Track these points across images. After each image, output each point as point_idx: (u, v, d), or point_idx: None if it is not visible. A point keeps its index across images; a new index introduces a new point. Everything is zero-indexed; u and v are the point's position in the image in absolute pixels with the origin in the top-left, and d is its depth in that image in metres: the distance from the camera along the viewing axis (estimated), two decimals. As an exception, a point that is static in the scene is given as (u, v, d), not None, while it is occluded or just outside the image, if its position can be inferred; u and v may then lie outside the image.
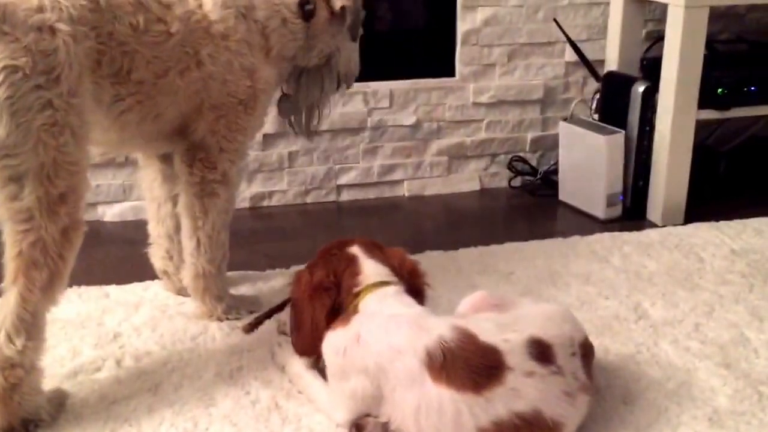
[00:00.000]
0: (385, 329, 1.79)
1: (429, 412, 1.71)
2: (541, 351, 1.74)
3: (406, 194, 3.51)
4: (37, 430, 1.84)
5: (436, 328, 1.76)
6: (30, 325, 1.77)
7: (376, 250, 1.98)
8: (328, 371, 1.87)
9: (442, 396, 1.69)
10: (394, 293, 1.89)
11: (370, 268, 1.92)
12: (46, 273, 1.77)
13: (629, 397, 1.98)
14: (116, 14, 1.90)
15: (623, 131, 3.15)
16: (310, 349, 1.93)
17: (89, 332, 2.26)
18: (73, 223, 1.80)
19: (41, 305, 1.79)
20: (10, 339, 1.75)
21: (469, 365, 1.69)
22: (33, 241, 1.74)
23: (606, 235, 2.97)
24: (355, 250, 1.96)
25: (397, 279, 1.94)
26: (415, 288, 1.98)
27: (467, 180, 3.56)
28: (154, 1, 1.98)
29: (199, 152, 2.20)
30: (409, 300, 1.90)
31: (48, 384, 1.98)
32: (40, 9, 1.72)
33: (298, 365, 2.01)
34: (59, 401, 1.94)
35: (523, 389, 1.69)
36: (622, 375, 2.07)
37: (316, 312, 1.88)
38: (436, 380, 1.70)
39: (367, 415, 1.82)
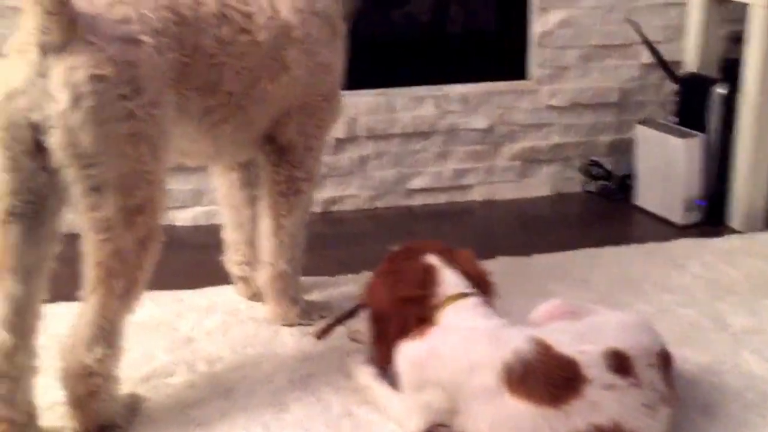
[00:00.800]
0: (463, 343, 1.77)
1: (506, 426, 1.69)
2: (619, 362, 1.70)
3: (478, 199, 3.47)
4: None
5: (512, 340, 1.74)
6: (108, 334, 1.79)
7: (449, 257, 1.95)
8: (403, 381, 1.85)
9: (520, 410, 1.67)
10: (473, 306, 1.86)
11: (450, 280, 1.89)
12: (124, 282, 1.78)
13: (709, 408, 1.93)
14: (201, 27, 1.92)
15: (702, 134, 3.07)
16: (386, 357, 1.91)
17: (163, 336, 2.29)
18: (151, 233, 1.82)
19: (119, 314, 1.81)
20: (89, 348, 1.77)
21: (547, 378, 1.67)
22: (112, 250, 1.75)
23: (684, 241, 2.89)
24: (431, 259, 1.93)
25: (474, 289, 1.91)
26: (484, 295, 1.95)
27: (540, 184, 3.51)
28: (237, 12, 1.99)
29: (286, 153, 2.22)
30: (487, 311, 1.87)
31: (123, 388, 2.01)
32: (126, 20, 1.75)
33: (366, 374, 2.00)
34: (134, 406, 1.96)
35: (602, 402, 1.65)
36: (702, 385, 2.02)
37: (406, 325, 1.85)
38: (514, 394, 1.68)
39: (440, 425, 1.80)
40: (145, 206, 1.78)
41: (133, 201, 1.75)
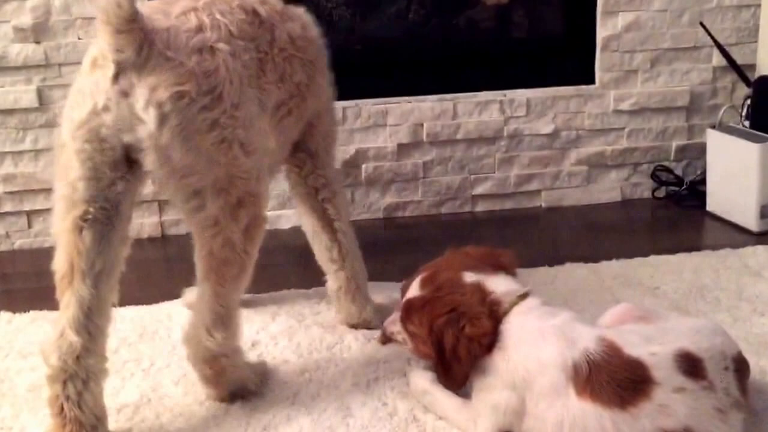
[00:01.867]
0: (533, 343, 1.74)
1: (572, 427, 1.65)
2: (690, 365, 1.64)
3: (544, 205, 3.43)
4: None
5: (581, 339, 1.69)
6: (225, 317, 1.89)
7: (472, 262, 1.91)
8: (475, 385, 1.82)
9: (586, 411, 1.63)
10: (535, 306, 1.82)
11: (500, 287, 1.84)
12: (236, 268, 1.88)
13: (791, 422, 1.85)
14: (273, 23, 1.99)
15: (777, 138, 2.99)
16: (462, 385, 1.86)
17: (228, 340, 2.28)
18: (255, 221, 1.89)
19: (232, 298, 1.91)
20: (209, 333, 1.87)
21: (615, 379, 1.62)
22: (221, 241, 1.83)
23: (760, 248, 2.81)
24: (470, 277, 1.86)
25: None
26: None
27: (608, 190, 3.44)
28: (293, 11, 2.11)
29: (313, 158, 2.27)
30: (552, 309, 1.83)
31: (191, 391, 2.02)
32: (200, 29, 1.77)
33: (424, 381, 1.96)
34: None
35: (672, 405, 1.60)
36: (782, 398, 1.93)
37: (472, 359, 1.79)
38: (581, 394, 1.64)
39: (508, 431, 1.76)
40: (245, 200, 1.83)
41: (233, 198, 1.81)
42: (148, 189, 3.04)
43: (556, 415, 1.67)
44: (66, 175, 1.75)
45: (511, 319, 1.80)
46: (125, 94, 1.67)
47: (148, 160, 1.72)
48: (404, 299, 1.93)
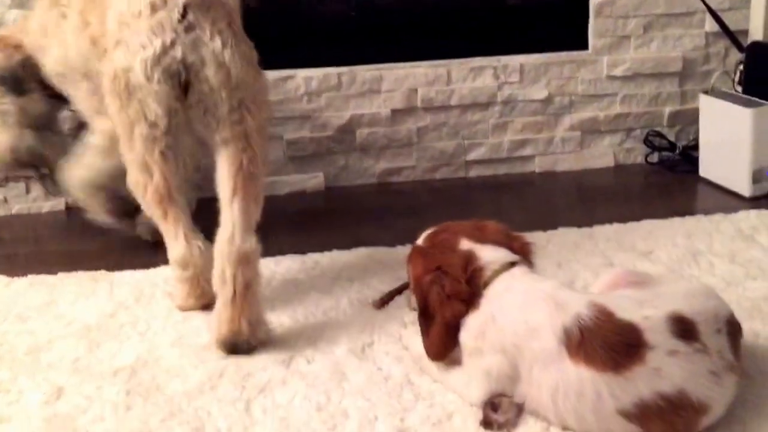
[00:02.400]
0: (520, 307, 1.75)
1: (568, 393, 1.66)
2: (683, 328, 1.65)
3: (537, 170, 3.43)
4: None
5: (572, 304, 1.70)
6: (252, 229, 2.15)
7: (480, 234, 1.92)
8: (464, 352, 1.84)
9: (582, 376, 1.64)
10: (521, 273, 1.84)
11: (490, 255, 1.86)
12: (258, 185, 2.17)
13: (782, 383, 1.87)
14: None
15: (769, 103, 3.00)
16: (443, 355, 1.89)
17: (224, 305, 2.30)
18: (268, 145, 2.24)
19: (256, 214, 2.17)
20: (244, 238, 2.10)
21: (608, 343, 1.63)
22: (250, 156, 2.12)
23: (752, 212, 2.81)
24: (465, 244, 1.88)
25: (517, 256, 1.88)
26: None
27: (601, 156, 3.45)
28: None
29: None
30: (538, 275, 1.85)
31: (186, 354, 2.04)
32: None
33: (420, 345, 1.97)
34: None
35: (666, 369, 1.61)
36: (775, 360, 1.95)
37: (450, 322, 1.83)
38: (574, 359, 1.64)
39: (502, 395, 1.78)
40: (266, 124, 2.19)
41: (262, 117, 2.15)
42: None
43: (551, 380, 1.68)
44: (142, 116, 2.08)
45: (496, 285, 1.81)
46: (191, 28, 2.02)
47: (209, 73, 2.04)
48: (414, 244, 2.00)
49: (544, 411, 1.73)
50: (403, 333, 2.10)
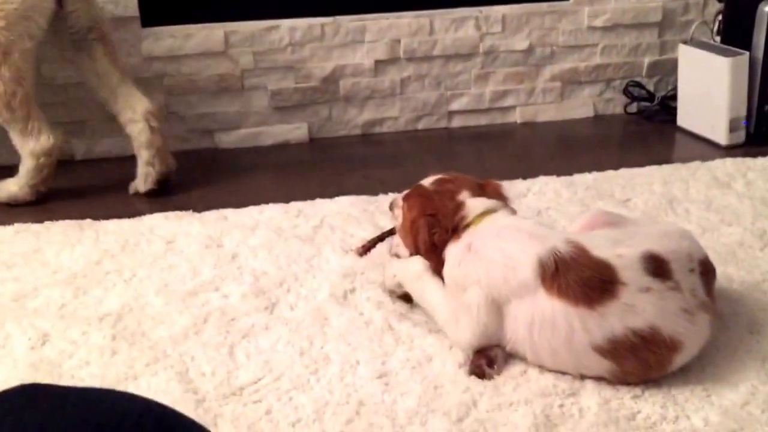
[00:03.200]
0: (498, 238, 1.79)
1: (542, 326, 1.70)
2: (657, 266, 1.68)
3: (518, 121, 3.46)
4: None
5: (549, 239, 1.74)
6: None
7: (481, 191, 1.97)
8: (447, 287, 1.87)
9: (555, 309, 1.67)
10: (505, 214, 1.88)
11: (474, 203, 1.91)
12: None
13: (755, 326, 1.92)
14: None
15: (747, 53, 3.01)
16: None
17: (209, 253, 2.33)
18: None
19: None
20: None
21: (582, 278, 1.66)
22: None
23: (728, 160, 2.86)
24: (464, 196, 1.93)
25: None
26: None
27: (581, 106, 3.48)
28: None
29: None
30: (520, 217, 1.91)
31: (171, 301, 2.07)
32: None
33: (421, 267, 1.95)
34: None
35: (639, 305, 1.64)
36: (748, 304, 2.00)
37: (420, 235, 1.91)
38: (549, 291, 1.68)
39: (496, 347, 1.80)
40: None
41: None
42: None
43: (527, 312, 1.71)
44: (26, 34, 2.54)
45: (480, 226, 1.85)
46: None
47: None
48: (418, 183, 2.04)
49: (522, 347, 1.76)
50: (388, 264, 2.09)
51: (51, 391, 0.97)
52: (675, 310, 1.67)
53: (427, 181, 2.02)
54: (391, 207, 2.14)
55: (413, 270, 1.97)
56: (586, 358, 1.68)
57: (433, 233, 1.90)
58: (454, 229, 1.88)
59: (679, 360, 1.70)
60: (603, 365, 1.69)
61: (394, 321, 1.98)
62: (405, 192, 2.08)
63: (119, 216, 2.57)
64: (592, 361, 1.69)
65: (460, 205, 1.91)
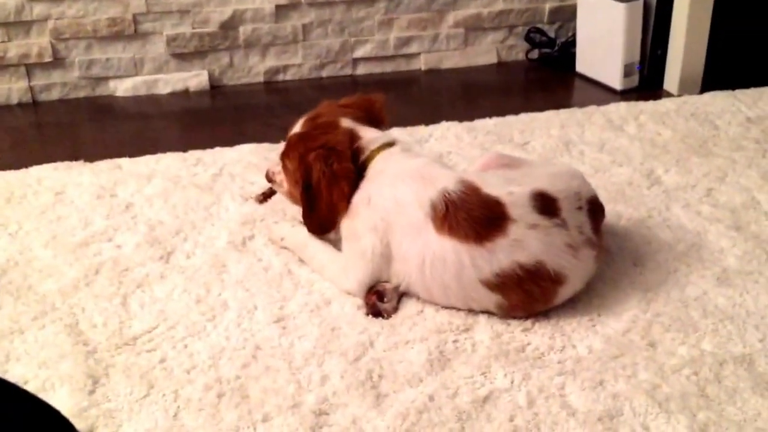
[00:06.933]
0: (392, 186, 1.80)
1: (434, 263, 1.73)
2: (545, 204, 1.73)
3: (423, 68, 3.46)
4: None
5: (441, 180, 1.76)
6: None
7: (355, 114, 1.97)
8: (343, 234, 1.88)
9: (445, 247, 1.71)
10: (399, 151, 1.89)
11: (368, 135, 1.91)
12: None
13: (639, 259, 1.98)
14: None
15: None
16: (328, 227, 1.92)
17: (101, 203, 2.28)
18: None
19: None
20: None
21: (472, 216, 1.70)
22: None
23: (622, 104, 2.92)
24: (346, 123, 1.93)
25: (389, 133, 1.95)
26: (376, 118, 2.01)
27: (485, 53, 3.49)
28: None
29: None
30: (413, 154, 1.91)
31: (60, 252, 2.01)
32: None
33: (304, 234, 1.98)
34: None
35: (526, 240, 1.69)
36: (634, 239, 2.07)
37: (335, 198, 1.85)
38: (439, 231, 1.71)
39: (383, 282, 1.83)
40: None
41: None
42: (11, 52, 2.94)
43: (417, 251, 1.75)
44: None
45: (373, 165, 1.86)
46: None
47: None
48: (288, 135, 1.99)
49: (414, 286, 1.80)
50: (272, 227, 2.10)
51: None
52: (560, 246, 1.71)
53: (295, 129, 2.00)
54: (269, 178, 2.10)
55: (299, 239, 2.00)
56: (475, 291, 1.72)
57: (330, 164, 1.85)
58: (352, 159, 1.86)
59: (564, 293, 1.76)
60: (491, 299, 1.73)
61: (294, 266, 1.98)
62: (274, 161, 2.05)
63: (6, 168, 2.49)
64: (480, 294, 1.73)
65: (352, 134, 1.90)
